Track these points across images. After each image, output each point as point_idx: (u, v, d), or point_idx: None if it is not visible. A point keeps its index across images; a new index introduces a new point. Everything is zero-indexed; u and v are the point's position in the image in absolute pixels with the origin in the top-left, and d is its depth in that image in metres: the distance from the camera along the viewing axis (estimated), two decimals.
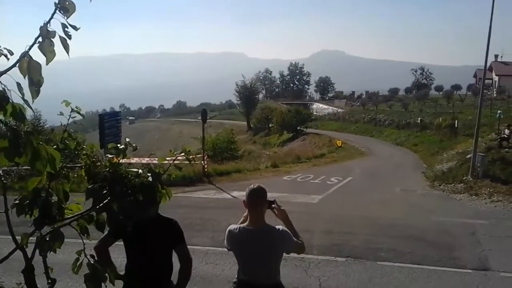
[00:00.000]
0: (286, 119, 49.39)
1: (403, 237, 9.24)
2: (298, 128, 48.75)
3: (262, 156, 32.59)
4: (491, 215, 11.87)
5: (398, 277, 6.84)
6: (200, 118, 20.38)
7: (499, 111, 25.97)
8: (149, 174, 2.43)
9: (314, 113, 60.77)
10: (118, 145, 2.53)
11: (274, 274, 3.21)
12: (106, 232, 3.04)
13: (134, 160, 15.82)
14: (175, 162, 2.67)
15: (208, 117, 24.34)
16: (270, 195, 3.28)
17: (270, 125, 58.22)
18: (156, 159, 2.85)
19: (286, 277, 6.39)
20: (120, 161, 2.53)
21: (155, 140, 68.51)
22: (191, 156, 2.75)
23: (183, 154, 2.66)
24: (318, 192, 15.13)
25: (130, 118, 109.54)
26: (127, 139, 2.68)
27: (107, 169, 2.43)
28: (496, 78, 56.72)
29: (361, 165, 23.90)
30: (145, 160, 15.60)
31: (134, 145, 2.64)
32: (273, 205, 3.31)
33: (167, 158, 2.83)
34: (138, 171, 2.43)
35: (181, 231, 3.35)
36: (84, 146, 2.51)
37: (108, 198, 2.33)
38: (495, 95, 47.37)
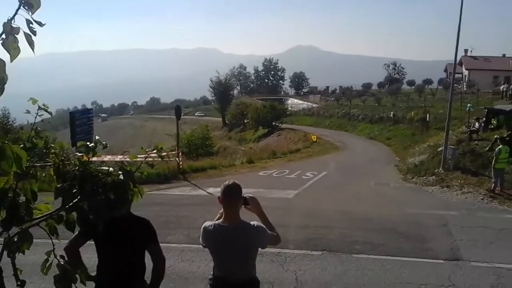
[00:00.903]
0: (261, 114, 49.45)
1: (377, 230, 9.38)
2: (274, 123, 48.89)
3: (237, 152, 32.57)
4: (462, 206, 12.19)
5: (372, 269, 6.94)
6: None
7: (469, 105, 26.68)
8: (120, 172, 2.37)
9: (289, 109, 61.11)
10: (88, 143, 2.46)
11: (250, 270, 3.21)
12: (76, 232, 2.97)
13: (107, 158, 15.56)
14: (147, 159, 2.62)
15: (182, 113, 24.12)
16: (245, 191, 3.28)
17: (245, 120, 58.19)
18: (129, 156, 2.78)
19: (263, 272, 6.41)
20: (92, 159, 2.47)
21: (128, 137, 67.66)
22: (164, 153, 2.71)
23: (155, 151, 2.61)
24: (293, 187, 15.22)
25: (103, 115, 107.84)
26: (97, 137, 2.61)
27: (77, 168, 2.36)
28: (466, 72, 58.13)
29: (336, 160, 24.17)
30: (118, 158, 15.37)
31: (104, 142, 2.57)
32: (247, 198, 3.31)
33: (139, 156, 2.77)
34: (108, 169, 2.38)
35: (153, 230, 3.30)
36: (53, 145, 2.43)
37: (78, 197, 2.27)
38: (465, 89, 48.52)
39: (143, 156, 2.61)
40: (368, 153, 27.47)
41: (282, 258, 7.27)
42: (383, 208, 11.80)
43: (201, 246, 3.33)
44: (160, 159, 2.74)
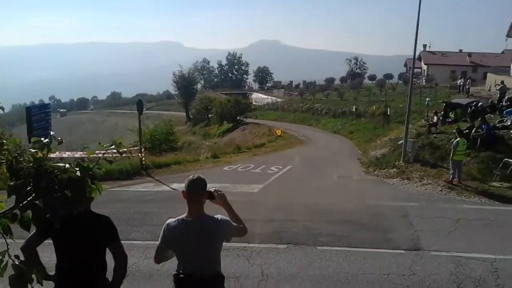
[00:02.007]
0: (225, 109, 49.27)
1: (341, 222, 9.52)
2: (238, 118, 48.83)
3: (202, 147, 32.34)
4: (421, 197, 12.56)
5: (336, 261, 7.04)
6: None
7: (427, 99, 27.48)
8: (77, 169, 2.28)
9: (254, 103, 61.20)
10: (42, 138, 2.35)
11: (215, 265, 3.18)
12: (33, 231, 2.86)
13: (66, 154, 15.12)
14: (105, 155, 2.53)
15: (144, 108, 23.69)
16: (211, 186, 3.25)
17: (209, 115, 57.84)
18: (86, 152, 2.68)
19: (229, 267, 6.40)
20: (51, 156, 2.35)
21: (89, 133, 65.92)
22: (125, 149, 2.62)
23: (113, 146, 2.52)
24: (258, 181, 15.24)
25: (61, 110, 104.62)
26: (52, 132, 2.50)
27: (31, 165, 2.25)
28: (424, 67, 59.92)
29: (300, 154, 24.39)
30: (78, 154, 14.96)
31: (59, 138, 2.46)
32: (212, 191, 3.28)
33: (96, 151, 2.67)
34: (65, 166, 2.27)
35: (114, 228, 3.22)
36: (5, 141, 2.31)
37: (33, 195, 2.16)
38: (424, 83, 49.97)
39: (102, 152, 2.51)
40: (332, 147, 27.88)
41: (248, 253, 7.27)
42: (346, 200, 11.99)
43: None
44: (120, 155, 2.66)
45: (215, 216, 3.19)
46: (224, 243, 3.24)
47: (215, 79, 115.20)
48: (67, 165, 2.31)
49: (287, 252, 7.46)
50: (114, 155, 2.66)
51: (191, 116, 65.43)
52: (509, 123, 16.72)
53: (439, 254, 7.36)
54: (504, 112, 18.60)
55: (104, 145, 2.53)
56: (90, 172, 2.37)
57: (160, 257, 3.26)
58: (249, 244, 7.50)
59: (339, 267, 6.78)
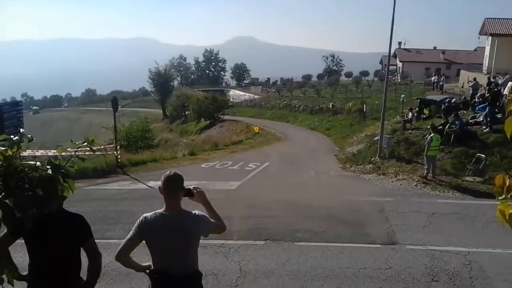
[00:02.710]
0: (202, 106, 48.99)
1: (318, 218, 9.60)
2: (215, 115, 48.62)
3: (179, 144, 32.13)
4: (397, 192, 12.77)
5: (314, 256, 7.09)
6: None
7: (402, 95, 27.90)
8: (48, 167, 2.22)
9: (231, 100, 61.07)
10: (12, 136, 2.28)
11: (192, 262, 3.16)
12: (4, 231, 2.78)
13: (39, 152, 14.77)
14: (78, 153, 2.47)
15: (120, 105, 23.35)
16: (188, 183, 3.22)
17: (186, 112, 57.43)
18: (57, 150, 2.60)
19: (206, 264, 6.38)
20: (23, 154, 2.28)
21: (63, 131, 64.51)
22: (99, 146, 2.57)
23: (86, 144, 2.46)
24: (236, 178, 15.22)
25: (34, 108, 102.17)
26: (22, 130, 2.42)
27: (0, 163, 2.18)
28: (400, 64, 60.84)
29: (278, 150, 24.44)
30: (51, 153, 14.62)
31: (29, 136, 2.39)
32: (191, 188, 3.26)
33: (69, 149, 2.61)
34: (35, 164, 2.21)
35: (88, 226, 3.15)
36: None
37: (2, 193, 2.09)
38: (399, 80, 50.76)
39: (74, 149, 2.45)
40: (309, 143, 28.04)
41: (226, 249, 7.26)
42: (324, 196, 12.08)
43: (142, 241, 3.17)
44: (93, 153, 2.61)
45: (193, 212, 3.16)
46: (202, 240, 3.21)
47: (192, 76, 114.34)
48: (38, 163, 2.25)
49: (265, 249, 7.47)
50: (88, 153, 2.60)
51: (167, 113, 64.82)
52: (481, 119, 17.10)
53: (414, 248, 7.50)
54: (477, 108, 19.02)
55: (77, 143, 2.47)
56: (62, 170, 2.31)
57: (127, 248, 3.07)
58: (227, 241, 7.49)
59: (316, 262, 6.83)
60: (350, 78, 68.14)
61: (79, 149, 2.47)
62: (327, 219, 9.52)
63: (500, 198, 2.10)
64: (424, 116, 21.46)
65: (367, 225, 9.02)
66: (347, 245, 7.69)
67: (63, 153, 2.52)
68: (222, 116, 49.05)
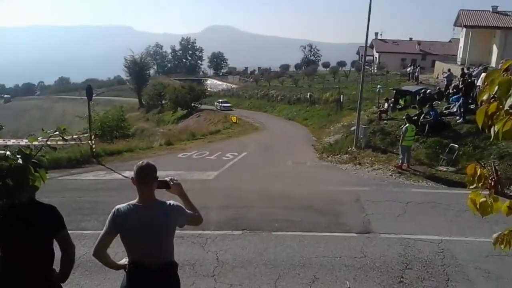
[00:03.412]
0: (179, 95, 48.57)
1: (295, 207, 9.64)
2: (193, 104, 48.28)
3: (155, 134, 31.80)
4: (372, 182, 12.93)
5: (290, 245, 7.12)
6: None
7: (378, 86, 28.26)
8: (18, 156, 2.13)
9: (209, 89, 60.66)
10: None
11: (167, 252, 3.11)
12: None
13: (11, 142, 14.38)
14: (52, 142, 2.38)
15: (94, 94, 22.90)
16: (165, 174, 3.17)
17: (163, 101, 56.85)
18: (28, 139, 2.50)
19: (183, 255, 6.33)
20: None
21: (35, 120, 63.08)
22: (72, 136, 2.49)
23: (57, 133, 2.38)
24: (214, 168, 15.16)
25: (5, 96, 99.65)
26: None
27: None
28: (376, 55, 61.35)
29: (256, 140, 24.47)
30: (23, 142, 14.24)
31: None
32: (168, 180, 3.20)
33: (40, 138, 2.51)
34: (5, 153, 2.12)
35: (60, 217, 3.07)
36: None
37: None
38: (375, 71, 51.24)
39: (45, 138, 2.36)
40: (287, 133, 28.14)
41: (203, 240, 7.22)
42: (301, 186, 12.14)
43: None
44: (65, 142, 2.52)
45: (167, 202, 3.11)
46: (179, 230, 3.16)
47: (169, 65, 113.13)
48: (8, 153, 2.16)
49: (243, 238, 7.47)
50: (61, 142, 2.51)
51: (144, 102, 64.05)
52: (455, 110, 17.44)
53: (388, 236, 7.61)
54: (451, 99, 19.38)
55: (48, 132, 2.38)
56: (34, 160, 2.22)
57: (104, 244, 3.02)
58: (204, 231, 7.45)
59: (293, 251, 6.86)
60: (328, 68, 68.53)
61: (50, 138, 2.37)
62: (304, 208, 9.57)
63: (471, 187, 2.13)
64: (400, 106, 21.76)
65: (343, 215, 9.10)
66: (324, 234, 7.75)
67: (34, 143, 2.42)
68: (200, 105, 48.74)
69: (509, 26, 37.74)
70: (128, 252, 3.09)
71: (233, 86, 66.55)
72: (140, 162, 3.10)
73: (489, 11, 40.28)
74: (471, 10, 40.93)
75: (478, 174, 2.11)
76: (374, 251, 6.85)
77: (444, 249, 6.94)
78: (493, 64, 30.89)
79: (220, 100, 49.95)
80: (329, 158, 17.48)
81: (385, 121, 19.41)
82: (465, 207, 2.11)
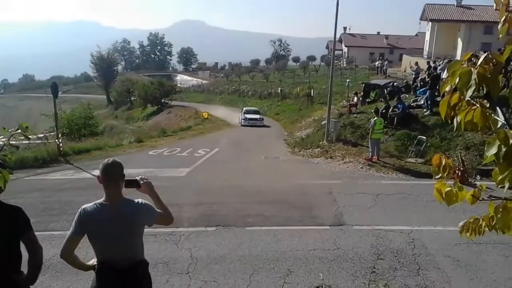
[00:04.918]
0: (149, 91, 47.92)
1: (268, 202, 9.67)
2: (163, 100, 47.73)
3: (125, 131, 31.27)
4: (344, 175, 13.11)
5: (264, 240, 7.14)
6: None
7: (348, 80, 28.59)
8: None
9: (179, 85, 60.12)
10: None
11: (136, 251, 3.05)
12: None
13: None
14: (16, 141, 2.29)
15: (61, 92, 22.30)
16: (136, 171, 3.11)
17: (132, 98, 55.97)
18: None
19: (157, 253, 6.27)
20: None
21: (0, 118, 60.95)
22: (37, 134, 2.41)
23: (19, 131, 2.29)
24: (185, 165, 15.04)
25: None
26: None
27: None
28: (345, 49, 62.10)
29: (228, 136, 24.42)
30: None
31: None
32: (138, 179, 3.14)
33: (0, 137, 2.42)
34: None
35: (26, 218, 2.98)
36: None
37: None
38: (345, 65, 51.87)
39: (6, 137, 2.28)
40: (259, 128, 28.15)
41: (177, 237, 7.15)
42: (273, 180, 12.21)
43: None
44: (28, 141, 2.44)
45: (135, 200, 3.05)
46: (151, 228, 3.11)
47: (137, 61, 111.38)
48: None
49: (216, 235, 7.44)
50: (25, 141, 2.42)
51: (112, 99, 62.89)
52: (422, 103, 17.85)
53: (360, 228, 7.73)
54: (418, 92, 19.81)
55: (10, 130, 2.29)
56: None
57: (71, 245, 2.94)
58: (178, 229, 7.38)
59: (267, 246, 6.89)
60: (298, 63, 69.01)
61: (13, 137, 2.28)
62: (277, 203, 9.61)
63: (437, 177, 2.17)
64: (369, 100, 22.10)
65: (316, 208, 9.19)
66: (297, 228, 7.81)
67: None
68: (170, 101, 48.22)
69: (474, 19, 38.89)
70: (96, 252, 3.03)
71: (204, 81, 66.06)
72: (106, 160, 3.03)
73: (454, 5, 41.35)
74: (437, 4, 41.92)
75: (443, 164, 2.16)
76: (347, 243, 6.95)
77: (414, 239, 7.10)
78: (458, 57, 31.76)
79: (245, 110, 33.84)
80: (301, 152, 17.62)
81: (355, 115, 19.68)
82: (433, 198, 2.15)
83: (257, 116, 31.76)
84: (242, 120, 31.73)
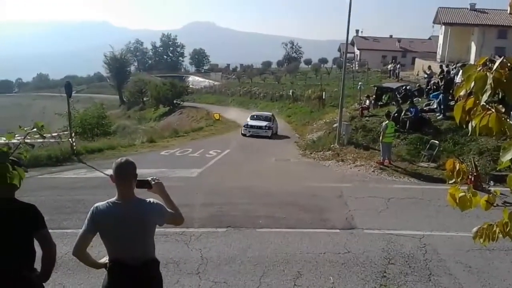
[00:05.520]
0: (161, 92, 48.17)
1: (279, 204, 9.67)
2: (175, 101, 47.93)
3: (137, 131, 31.50)
4: (355, 178, 13.05)
5: (274, 242, 7.14)
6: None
7: (360, 83, 28.49)
8: None
9: (191, 86, 60.32)
10: None
11: (147, 250, 3.09)
12: None
13: None
14: (31, 140, 2.34)
15: (74, 91, 22.54)
16: (148, 171, 3.15)
17: (144, 98, 56.32)
18: (5, 136, 2.45)
19: (167, 253, 6.30)
20: None
21: (14, 117, 61.59)
22: (51, 133, 2.45)
23: (35, 130, 2.33)
24: (197, 165, 15.08)
25: None
26: None
27: None
28: (357, 52, 61.85)
29: (239, 138, 24.42)
30: (2, 140, 13.93)
31: None
32: (149, 180, 3.18)
33: (17, 136, 2.47)
34: None
35: (40, 216, 3.02)
36: None
37: None
38: (357, 68, 51.63)
39: (23, 136, 2.32)
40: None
41: (187, 237, 7.19)
42: (284, 183, 12.19)
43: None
44: (43, 139, 2.48)
45: (147, 200, 3.09)
46: (162, 228, 3.14)
47: (149, 61, 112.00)
48: None
49: (227, 236, 7.46)
50: (40, 140, 2.46)
51: (125, 100, 63.38)
52: (435, 106, 17.70)
53: (371, 232, 7.70)
54: (431, 95, 19.66)
55: (26, 129, 2.34)
56: (11, 158, 2.18)
57: (83, 243, 2.99)
58: (188, 229, 7.41)
59: (277, 248, 6.89)
60: (310, 66, 68.85)
61: (28, 136, 2.33)
62: (287, 205, 9.60)
63: (450, 182, 2.15)
64: (382, 103, 21.98)
65: (327, 211, 9.17)
66: (308, 230, 7.80)
67: (12, 140, 2.37)
68: (182, 102, 48.42)
69: (487, 23, 38.43)
70: (108, 250, 3.07)
71: (216, 83, 66.22)
72: (119, 159, 3.07)
73: (467, 8, 40.93)
74: (450, 8, 41.55)
75: (457, 169, 2.14)
76: (357, 247, 6.92)
77: (426, 244, 7.05)
78: (471, 61, 31.47)
79: (255, 115, 27.79)
80: (312, 155, 17.57)
81: (367, 118, 19.56)
82: (446, 203, 2.14)
83: (263, 124, 25.43)
84: (243, 129, 25.67)
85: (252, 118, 26.83)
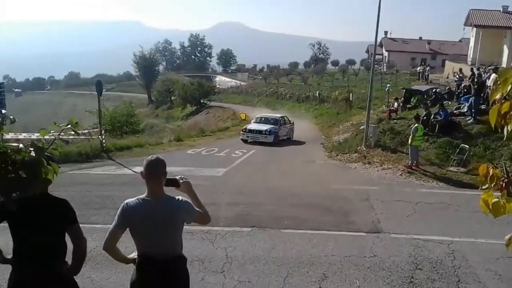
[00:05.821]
0: (188, 92, 48.67)
1: (304, 205, 9.64)
2: (202, 101, 48.35)
3: (165, 130, 31.91)
4: (382, 181, 12.87)
5: (299, 243, 7.12)
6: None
7: (388, 85, 28.09)
8: (31, 149, 2.15)
9: (217, 86, 60.78)
10: None
11: (175, 246, 3.14)
12: None
13: (23, 135, 14.51)
14: (61, 135, 2.41)
15: (104, 89, 22.98)
16: (174, 169, 3.19)
17: (172, 98, 57.00)
18: (40, 132, 2.53)
19: (193, 250, 6.36)
20: (6, 136, 2.23)
21: (46, 114, 63.42)
22: (83, 130, 2.53)
23: (69, 126, 2.40)
24: (223, 165, 15.17)
25: (16, 90, 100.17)
26: (3, 111, 2.35)
27: None
28: (386, 54, 60.94)
29: None
30: (35, 136, 14.37)
31: (11, 117, 2.32)
32: (177, 178, 3.23)
33: (52, 131, 2.55)
34: (18, 146, 2.15)
35: (72, 211, 3.11)
36: None
37: None
38: (385, 69, 50.92)
39: (57, 132, 2.39)
40: (296, 131, 28.03)
41: (213, 236, 7.24)
42: (310, 184, 12.12)
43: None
44: (77, 136, 2.56)
45: (176, 197, 3.14)
46: (188, 226, 3.18)
47: (178, 61, 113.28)
48: (21, 145, 2.19)
49: (252, 235, 7.48)
50: (72, 136, 2.54)
51: (153, 98, 64.30)
52: (465, 110, 17.29)
53: (398, 236, 7.58)
54: (461, 99, 19.22)
55: (60, 125, 2.41)
56: (46, 153, 2.26)
57: (113, 238, 3.06)
58: (214, 228, 7.46)
59: (302, 249, 6.86)
60: (337, 67, 68.37)
61: (62, 132, 2.40)
62: (313, 207, 9.56)
63: (483, 187, 2.11)
64: (410, 106, 21.62)
65: (353, 213, 9.08)
66: (333, 233, 7.74)
67: (46, 136, 2.45)
68: (209, 102, 48.80)
69: None
70: (137, 245, 3.13)
71: (242, 83, 66.48)
72: (150, 156, 3.13)
73: (500, 11, 39.83)
74: (482, 10, 40.50)
75: (491, 174, 2.10)
76: (383, 251, 6.82)
77: (454, 250, 6.89)
78: (504, 64, 30.55)
79: (262, 118, 24.16)
80: (338, 157, 17.41)
81: (395, 121, 19.28)
82: (475, 209, 2.11)
83: (264, 128, 21.93)
84: (241, 133, 22.57)
85: (257, 120, 23.73)
